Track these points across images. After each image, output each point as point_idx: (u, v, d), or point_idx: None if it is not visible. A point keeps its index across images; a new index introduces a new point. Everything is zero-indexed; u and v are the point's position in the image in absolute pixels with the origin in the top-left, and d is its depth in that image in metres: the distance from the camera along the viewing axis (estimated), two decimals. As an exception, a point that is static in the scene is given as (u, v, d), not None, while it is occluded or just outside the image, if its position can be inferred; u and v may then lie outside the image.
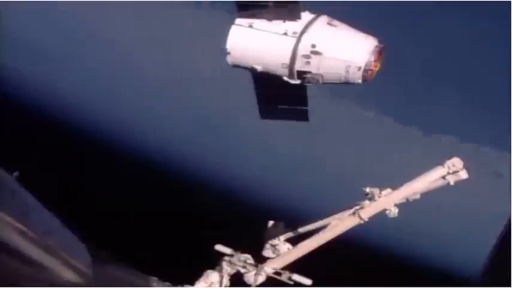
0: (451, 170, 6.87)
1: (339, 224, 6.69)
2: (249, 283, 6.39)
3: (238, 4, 7.78)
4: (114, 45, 12.54)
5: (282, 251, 7.01)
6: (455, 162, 6.88)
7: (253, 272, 6.37)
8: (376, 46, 7.61)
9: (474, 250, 10.90)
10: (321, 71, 7.60)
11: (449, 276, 10.51)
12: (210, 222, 11.31)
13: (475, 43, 11.25)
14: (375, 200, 6.80)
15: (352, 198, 6.89)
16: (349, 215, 6.73)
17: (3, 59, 11.27)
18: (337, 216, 6.75)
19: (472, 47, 11.30)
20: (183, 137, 12.28)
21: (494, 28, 10.99)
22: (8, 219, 4.91)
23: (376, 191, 6.87)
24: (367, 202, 6.81)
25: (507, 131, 10.49)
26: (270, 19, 7.80)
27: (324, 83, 7.71)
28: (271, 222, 7.59)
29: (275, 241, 7.28)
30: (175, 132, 12.32)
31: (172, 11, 12.10)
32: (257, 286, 6.36)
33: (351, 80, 7.59)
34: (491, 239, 10.89)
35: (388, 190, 6.87)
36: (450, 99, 11.71)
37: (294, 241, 6.82)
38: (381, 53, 7.63)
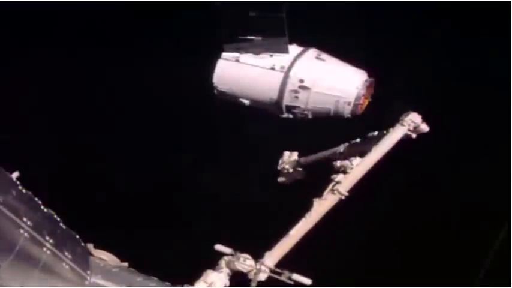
0: (412, 127, 7.10)
1: (321, 204, 6.73)
2: (249, 282, 6.40)
3: (224, 38, 7.68)
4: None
5: (295, 176, 7.68)
6: (414, 118, 7.11)
7: (253, 272, 6.38)
8: (366, 80, 7.58)
9: (474, 250, 10.91)
10: (309, 106, 7.57)
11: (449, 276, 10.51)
12: (210, 222, 11.31)
13: (474, 43, 11.24)
14: (348, 172, 6.85)
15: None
16: (328, 193, 6.77)
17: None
18: (316, 198, 6.79)
19: (471, 47, 11.30)
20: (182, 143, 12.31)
21: (494, 29, 10.99)
22: (8, 218, 4.91)
23: (346, 163, 6.95)
24: (341, 175, 6.85)
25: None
26: (256, 53, 7.71)
27: (313, 117, 7.74)
28: (286, 153, 8.02)
29: (288, 168, 7.98)
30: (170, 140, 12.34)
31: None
32: (257, 286, 6.37)
33: (340, 115, 7.59)
34: (491, 239, 10.90)
35: (358, 159, 6.97)
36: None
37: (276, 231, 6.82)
38: (371, 86, 7.62)
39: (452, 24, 11.32)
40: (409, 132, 7.13)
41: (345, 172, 6.90)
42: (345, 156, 7.34)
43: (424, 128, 7.17)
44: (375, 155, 6.97)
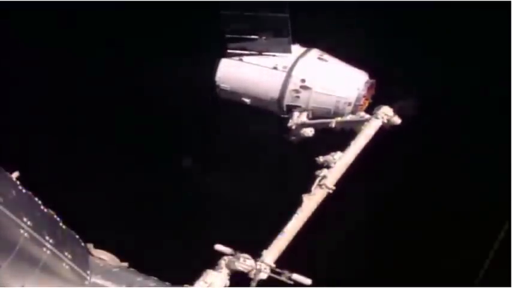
0: (385, 119, 7.36)
1: (311, 199, 6.85)
2: (249, 282, 6.40)
3: (228, 37, 7.75)
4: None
5: (303, 135, 7.92)
6: (386, 111, 7.37)
7: (253, 272, 6.38)
8: (367, 82, 7.66)
9: (474, 250, 10.91)
10: (310, 106, 7.70)
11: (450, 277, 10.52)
12: (210, 222, 11.31)
13: (474, 43, 11.24)
14: (332, 167, 6.99)
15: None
16: (315, 188, 6.83)
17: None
18: (306, 194, 6.89)
19: (471, 47, 11.30)
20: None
21: (494, 28, 11.00)
22: (8, 218, 4.91)
23: (329, 158, 7.11)
24: (325, 170, 6.93)
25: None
26: (260, 52, 7.79)
27: (313, 117, 7.83)
28: (296, 113, 8.10)
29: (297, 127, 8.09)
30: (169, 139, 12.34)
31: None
32: (257, 285, 6.37)
33: (341, 115, 7.70)
34: (491, 239, 10.89)
35: (339, 153, 7.17)
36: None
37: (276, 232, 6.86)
38: (372, 88, 7.70)
39: (452, 24, 11.32)
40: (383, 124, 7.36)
41: (328, 167, 7.05)
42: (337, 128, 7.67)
43: (396, 120, 7.40)
44: (355, 148, 7.21)
